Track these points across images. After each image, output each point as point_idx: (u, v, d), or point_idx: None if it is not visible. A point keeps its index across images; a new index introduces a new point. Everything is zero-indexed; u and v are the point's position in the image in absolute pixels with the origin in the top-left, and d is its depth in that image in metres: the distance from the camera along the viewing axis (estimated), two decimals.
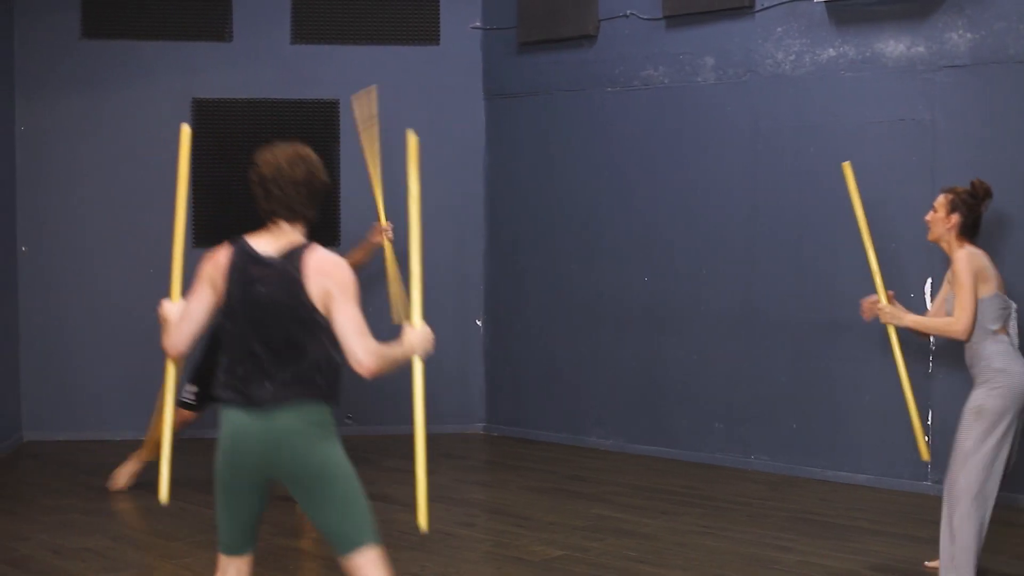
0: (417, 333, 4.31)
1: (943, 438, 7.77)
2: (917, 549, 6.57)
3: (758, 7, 8.66)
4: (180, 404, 7.62)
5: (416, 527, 4.67)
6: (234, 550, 4.26)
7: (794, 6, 8.47)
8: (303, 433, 4.02)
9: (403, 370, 4.39)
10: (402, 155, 10.36)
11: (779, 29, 8.56)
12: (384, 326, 5.73)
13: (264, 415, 4.02)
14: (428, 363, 4.57)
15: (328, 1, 10.13)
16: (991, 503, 5.81)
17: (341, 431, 4.23)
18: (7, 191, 9.63)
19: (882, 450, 8.12)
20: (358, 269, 5.55)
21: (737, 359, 8.82)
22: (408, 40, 10.24)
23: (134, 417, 9.95)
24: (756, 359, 8.71)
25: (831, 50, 8.33)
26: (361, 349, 4.00)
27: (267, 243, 4.16)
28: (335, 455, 4.09)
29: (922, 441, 6.62)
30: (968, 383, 7.52)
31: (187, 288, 4.38)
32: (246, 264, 4.11)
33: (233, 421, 4.09)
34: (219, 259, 4.17)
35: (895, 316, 6.31)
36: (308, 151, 4.26)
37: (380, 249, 8.16)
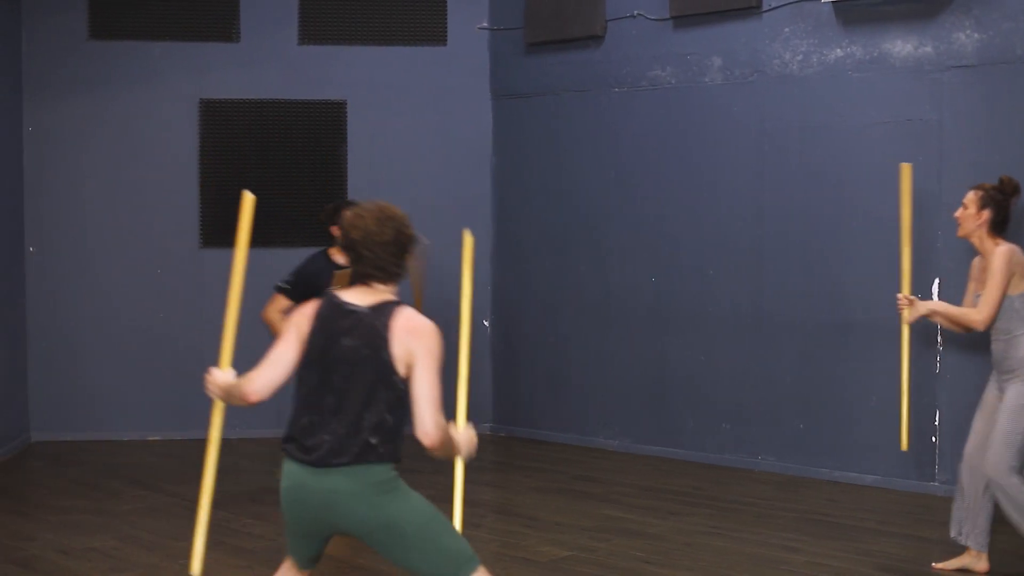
0: (463, 435, 4.28)
1: (949, 438, 7.77)
2: (924, 550, 6.55)
3: (765, 7, 8.65)
4: None
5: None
6: (300, 566, 4.32)
7: (801, 6, 8.46)
8: (359, 495, 4.00)
9: None
10: (405, 157, 10.42)
11: (786, 29, 8.55)
12: None
13: (320, 474, 4.01)
14: None
15: (336, 2, 10.13)
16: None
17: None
18: (14, 192, 9.65)
19: (889, 451, 8.08)
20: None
21: (744, 360, 8.80)
22: (415, 41, 10.24)
23: (140, 418, 9.99)
24: (763, 359, 8.70)
25: (838, 50, 8.32)
26: (431, 420, 3.97)
27: (358, 297, 4.15)
28: (399, 508, 4.03)
29: (905, 430, 6.78)
30: (974, 381, 7.51)
31: (237, 357, 4.42)
32: (334, 315, 4.11)
33: (292, 476, 4.09)
34: (308, 309, 4.18)
35: (923, 307, 6.51)
36: (393, 209, 4.23)
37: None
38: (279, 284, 7.03)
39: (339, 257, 6.81)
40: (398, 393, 4.03)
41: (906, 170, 6.76)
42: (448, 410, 4.08)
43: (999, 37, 7.61)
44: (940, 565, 6.23)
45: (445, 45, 10.29)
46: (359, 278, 4.19)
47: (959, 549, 6.28)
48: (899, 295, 6.65)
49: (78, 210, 9.96)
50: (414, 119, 10.29)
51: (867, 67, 8.19)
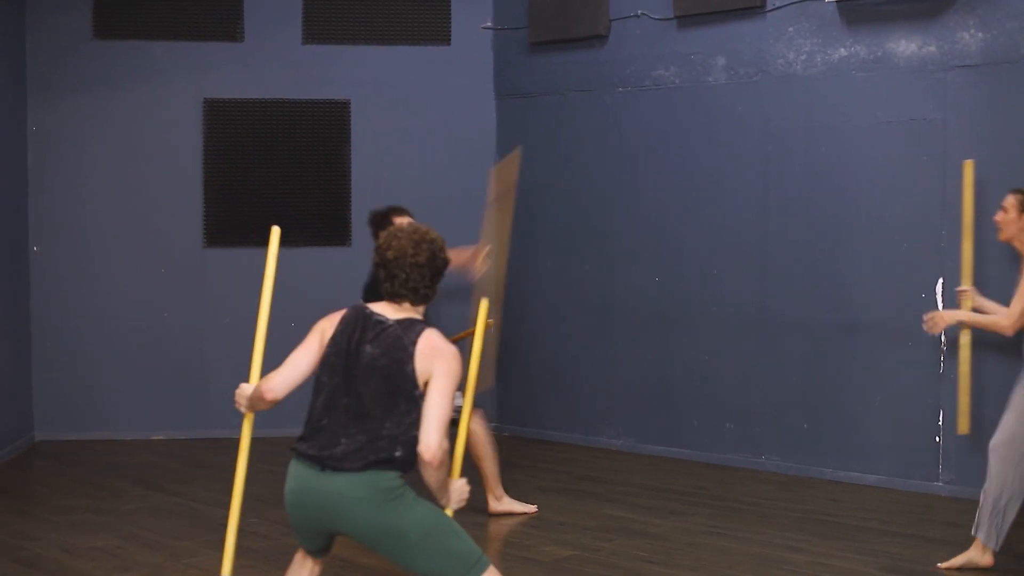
0: (455, 485, 4.29)
1: (953, 438, 7.76)
2: (928, 550, 6.55)
3: (769, 7, 8.64)
4: None
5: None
6: (309, 553, 4.42)
7: (805, 6, 8.45)
8: (363, 501, 4.03)
9: None
10: (409, 157, 10.42)
11: (790, 29, 8.54)
12: None
13: (327, 476, 4.05)
14: None
15: (339, 1, 10.13)
16: None
17: None
18: (19, 191, 9.66)
19: (893, 451, 8.09)
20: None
21: (748, 359, 8.80)
22: (419, 40, 10.24)
23: (144, 417, 9.99)
24: (767, 359, 8.69)
25: (842, 50, 8.31)
26: (435, 437, 4.00)
27: (386, 311, 4.24)
28: (402, 516, 4.06)
29: (965, 414, 6.95)
30: (977, 382, 7.53)
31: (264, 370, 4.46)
32: (361, 324, 4.19)
33: (297, 477, 4.14)
34: (335, 316, 4.26)
35: (949, 317, 6.63)
36: (431, 232, 4.32)
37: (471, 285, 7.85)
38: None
39: None
40: (417, 407, 4.07)
41: (968, 167, 7.06)
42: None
43: (1003, 36, 7.60)
44: (945, 564, 6.22)
45: (449, 45, 10.29)
46: (389, 296, 4.26)
47: (963, 546, 6.28)
48: (925, 316, 6.77)
49: (82, 209, 9.96)
50: (418, 119, 10.29)
51: (871, 67, 8.18)
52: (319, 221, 10.05)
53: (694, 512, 7.50)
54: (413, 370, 4.07)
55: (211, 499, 7.70)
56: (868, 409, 8.19)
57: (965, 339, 6.98)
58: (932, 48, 7.91)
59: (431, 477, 4.06)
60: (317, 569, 4.45)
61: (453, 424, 4.39)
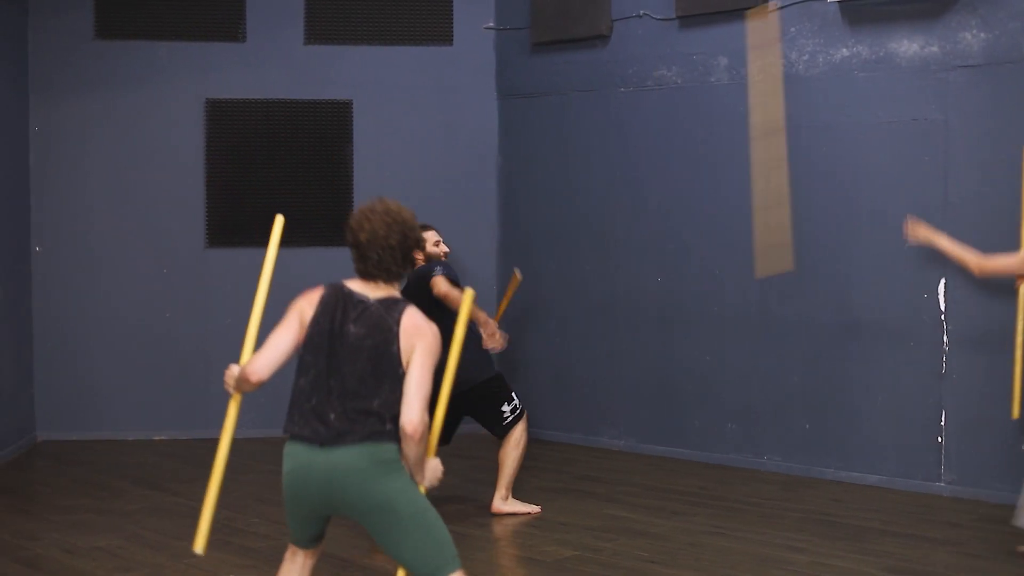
0: (431, 464, 4.31)
1: (955, 438, 7.77)
2: (930, 550, 6.55)
3: (771, 7, 8.64)
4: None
5: None
6: (300, 545, 4.44)
7: (807, 6, 8.45)
8: (365, 471, 4.08)
9: None
10: (411, 157, 10.41)
11: (792, 29, 8.54)
12: None
13: (327, 451, 4.10)
14: None
15: (342, 2, 10.13)
16: None
17: None
18: (21, 191, 9.67)
19: (895, 451, 8.09)
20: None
21: (750, 359, 8.80)
22: (421, 40, 10.25)
23: (146, 417, 9.99)
24: (769, 359, 8.69)
25: (844, 50, 8.31)
26: (418, 411, 4.08)
27: (364, 289, 4.29)
28: (401, 490, 4.12)
29: (1017, 398, 6.85)
30: (980, 382, 7.53)
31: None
32: (342, 302, 4.24)
33: (297, 456, 4.17)
34: (313, 295, 4.29)
35: (930, 235, 6.74)
36: (400, 209, 4.36)
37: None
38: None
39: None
40: (401, 384, 4.14)
41: None
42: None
43: (1005, 36, 7.60)
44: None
45: (451, 45, 10.29)
46: (362, 275, 4.32)
47: (966, 546, 6.29)
48: (908, 224, 6.94)
49: (84, 210, 9.97)
50: (420, 119, 10.29)
51: (873, 67, 8.18)
52: (321, 221, 10.05)
53: (695, 512, 7.49)
54: (398, 349, 4.15)
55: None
56: (870, 409, 8.18)
57: (1021, 324, 6.91)
58: (934, 48, 7.91)
59: (411, 451, 4.13)
60: (309, 562, 4.46)
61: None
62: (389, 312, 4.20)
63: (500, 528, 7.22)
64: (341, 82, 10.16)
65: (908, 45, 8.02)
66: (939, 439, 7.88)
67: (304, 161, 10.09)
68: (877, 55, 8.16)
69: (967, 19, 7.75)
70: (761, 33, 8.08)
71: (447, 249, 7.70)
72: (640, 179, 9.39)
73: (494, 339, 7.39)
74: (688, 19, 9.08)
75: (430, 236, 7.56)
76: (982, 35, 7.68)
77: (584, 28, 9.61)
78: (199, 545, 4.58)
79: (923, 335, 7.89)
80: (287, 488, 4.23)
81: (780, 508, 7.59)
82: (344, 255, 10.54)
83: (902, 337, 8.02)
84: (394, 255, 4.27)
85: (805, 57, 8.49)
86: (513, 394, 7.49)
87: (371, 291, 4.28)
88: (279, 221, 4.92)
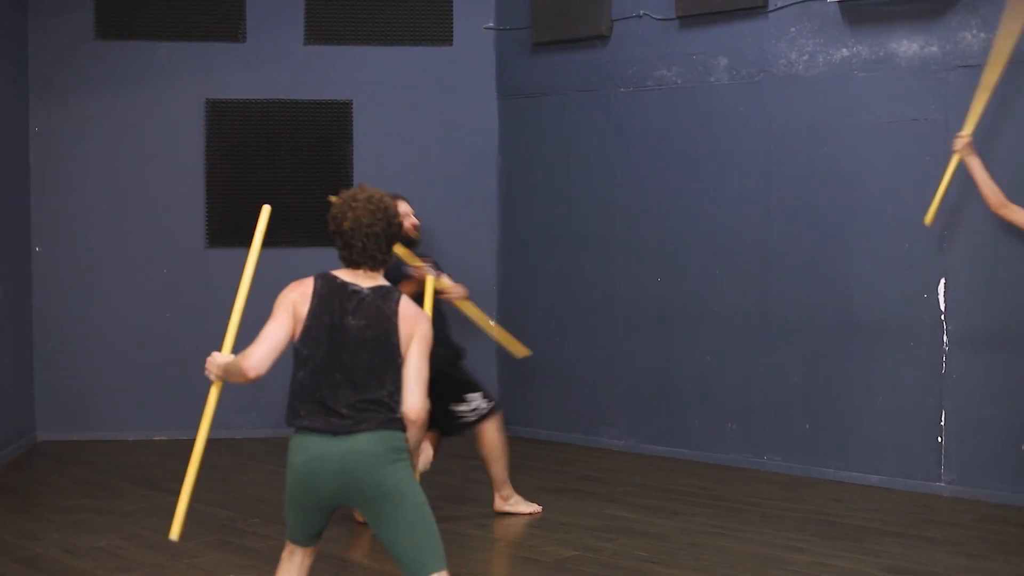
0: (423, 448, 4.43)
1: (955, 438, 7.76)
2: (930, 550, 6.55)
3: (771, 7, 8.63)
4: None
5: None
6: (300, 543, 4.42)
7: (807, 6, 8.45)
8: (380, 455, 4.13)
9: None
10: (411, 157, 10.42)
11: (792, 29, 8.54)
12: None
13: (341, 440, 4.13)
14: None
15: (342, 2, 10.13)
16: None
17: None
18: (21, 192, 9.66)
19: (895, 451, 8.09)
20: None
21: (750, 359, 8.79)
22: (421, 41, 10.25)
23: (147, 417, 9.99)
24: (769, 359, 8.69)
25: (844, 50, 8.31)
26: (419, 398, 4.21)
27: (355, 279, 4.35)
28: (408, 480, 4.19)
29: None
30: (980, 382, 7.53)
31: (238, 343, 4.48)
32: (336, 293, 4.28)
33: (309, 448, 4.18)
34: (304, 287, 4.32)
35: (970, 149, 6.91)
36: (384, 198, 4.39)
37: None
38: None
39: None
40: (400, 371, 4.23)
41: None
42: None
43: None
44: None
45: (451, 45, 10.29)
46: (347, 263, 4.39)
47: (966, 546, 6.28)
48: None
49: (84, 210, 9.96)
50: (420, 119, 10.29)
51: (873, 67, 8.18)
52: (321, 221, 9.84)
53: (695, 512, 7.49)
54: (398, 338, 4.22)
55: (212, 499, 7.69)
56: (870, 409, 8.18)
57: None
58: (934, 48, 7.91)
59: (414, 436, 4.24)
60: (308, 561, 4.46)
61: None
62: (385, 302, 4.26)
63: (500, 528, 7.22)
64: (341, 82, 10.16)
65: (908, 45, 8.02)
66: (939, 439, 7.88)
67: (304, 161, 10.09)
68: (877, 55, 8.16)
69: (967, 19, 7.75)
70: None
71: (416, 222, 7.56)
72: (640, 179, 9.39)
73: (456, 290, 7.29)
74: (688, 19, 9.09)
75: (401, 207, 7.37)
76: (982, 35, 7.68)
77: (584, 28, 9.61)
78: (174, 532, 4.54)
79: (923, 335, 7.89)
80: (298, 479, 4.21)
81: (780, 508, 7.59)
82: None
83: (902, 337, 8.02)
84: (378, 242, 4.31)
85: (805, 57, 8.49)
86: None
87: (361, 280, 4.33)
88: (265, 210, 4.92)
